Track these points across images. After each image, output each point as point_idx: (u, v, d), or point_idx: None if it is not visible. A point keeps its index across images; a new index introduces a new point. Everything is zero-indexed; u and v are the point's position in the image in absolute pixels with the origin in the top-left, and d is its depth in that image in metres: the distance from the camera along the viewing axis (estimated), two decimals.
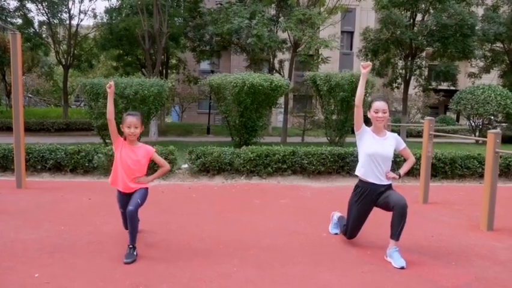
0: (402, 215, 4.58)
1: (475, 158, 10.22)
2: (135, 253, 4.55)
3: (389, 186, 4.90)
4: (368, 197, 4.90)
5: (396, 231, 4.63)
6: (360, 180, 4.98)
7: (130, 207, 4.54)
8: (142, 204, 4.72)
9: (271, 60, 22.10)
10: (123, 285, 3.91)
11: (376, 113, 4.82)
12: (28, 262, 4.39)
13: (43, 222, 5.80)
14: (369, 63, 4.76)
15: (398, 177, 4.90)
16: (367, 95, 13.97)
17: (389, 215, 4.73)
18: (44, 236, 5.24)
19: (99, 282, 3.96)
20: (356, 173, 5.01)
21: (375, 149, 4.82)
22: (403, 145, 5.06)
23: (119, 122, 4.78)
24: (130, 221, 4.56)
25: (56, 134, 22.86)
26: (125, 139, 4.78)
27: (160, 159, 4.98)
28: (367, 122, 4.85)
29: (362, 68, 4.76)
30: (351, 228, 5.13)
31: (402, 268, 4.43)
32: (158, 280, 4.03)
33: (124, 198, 4.84)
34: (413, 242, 5.35)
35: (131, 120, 4.70)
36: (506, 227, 6.22)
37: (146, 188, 4.87)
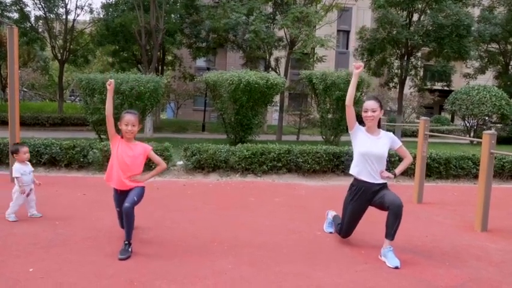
0: (397, 214, 4.59)
1: (469, 158, 10.26)
2: (130, 249, 4.55)
3: (384, 186, 4.90)
4: (362, 196, 4.91)
5: (391, 231, 4.65)
6: (355, 179, 4.99)
7: (126, 204, 4.54)
8: (138, 202, 4.72)
9: (268, 58, 22.08)
10: (118, 281, 3.91)
11: (365, 112, 4.85)
12: (22, 256, 4.38)
13: (38, 217, 5.78)
14: (361, 63, 4.79)
15: (393, 176, 4.90)
16: (362, 94, 13.98)
17: (383, 213, 4.75)
18: (38, 230, 5.23)
19: (93, 278, 3.95)
20: (350, 171, 5.03)
21: (368, 147, 4.82)
22: (399, 144, 5.04)
23: (116, 118, 4.78)
24: (126, 218, 4.56)
25: (51, 128, 22.77)
26: (122, 137, 4.79)
27: (156, 158, 4.98)
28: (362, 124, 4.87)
29: (355, 68, 4.77)
30: (346, 226, 5.15)
31: (396, 268, 4.44)
32: (152, 277, 4.03)
33: (120, 197, 4.83)
34: (407, 242, 5.37)
35: (129, 118, 4.71)
36: (500, 228, 6.25)
37: (143, 187, 4.87)
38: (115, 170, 4.74)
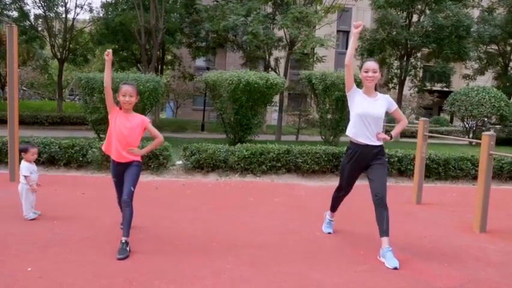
0: (381, 206, 4.67)
1: (468, 159, 10.26)
2: (128, 249, 4.54)
3: (381, 150, 4.92)
4: (358, 159, 4.95)
5: (382, 226, 4.67)
6: (351, 142, 5.00)
7: (125, 197, 4.59)
8: (134, 189, 4.74)
9: (267, 58, 22.08)
10: (116, 281, 3.90)
11: (366, 72, 4.83)
12: (21, 256, 4.37)
13: (36, 216, 5.77)
14: (361, 22, 4.74)
15: (389, 138, 4.90)
16: None
17: None
18: (37, 230, 5.22)
19: (92, 277, 3.95)
20: (347, 133, 5.04)
21: (365, 109, 4.81)
22: (395, 106, 5.03)
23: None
24: (125, 211, 4.61)
25: (50, 127, 22.73)
26: (120, 108, 4.81)
27: (154, 130, 4.98)
28: None
29: (354, 27, 4.74)
30: (345, 185, 5.29)
31: (395, 268, 4.44)
32: (151, 276, 4.03)
33: (117, 167, 4.87)
34: (406, 242, 5.37)
35: (127, 89, 4.73)
36: (499, 229, 6.25)
37: (139, 165, 4.88)
38: (113, 142, 4.77)
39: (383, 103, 4.92)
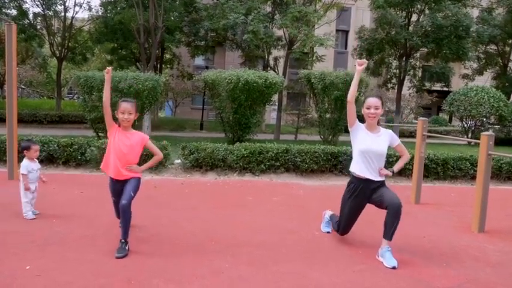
0: (396, 215, 4.59)
1: (467, 159, 10.26)
2: (127, 248, 4.54)
3: (382, 183, 4.90)
4: (361, 193, 4.91)
5: (389, 231, 4.64)
6: (354, 176, 4.97)
7: (123, 201, 4.52)
8: (134, 196, 4.69)
9: (266, 57, 22.07)
10: (115, 279, 3.90)
11: (368, 109, 4.82)
12: (19, 254, 4.37)
13: (35, 216, 5.75)
14: (364, 60, 4.77)
15: (391, 174, 4.91)
16: (361, 94, 13.97)
17: (381, 213, 4.74)
18: (35, 228, 5.21)
19: (90, 276, 3.94)
20: (350, 169, 5.01)
21: (368, 145, 4.81)
22: (397, 141, 5.05)
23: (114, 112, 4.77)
24: (123, 215, 4.54)
25: (49, 126, 22.74)
26: (119, 125, 4.78)
27: (153, 147, 4.96)
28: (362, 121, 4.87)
29: (357, 65, 4.75)
30: (344, 223, 5.15)
31: (393, 268, 4.44)
32: (150, 275, 4.02)
33: (116, 185, 4.81)
34: (404, 242, 5.37)
35: (126, 106, 4.69)
36: (498, 229, 6.25)
37: (139, 178, 4.84)
38: (111, 159, 4.73)
39: (385, 138, 4.92)
